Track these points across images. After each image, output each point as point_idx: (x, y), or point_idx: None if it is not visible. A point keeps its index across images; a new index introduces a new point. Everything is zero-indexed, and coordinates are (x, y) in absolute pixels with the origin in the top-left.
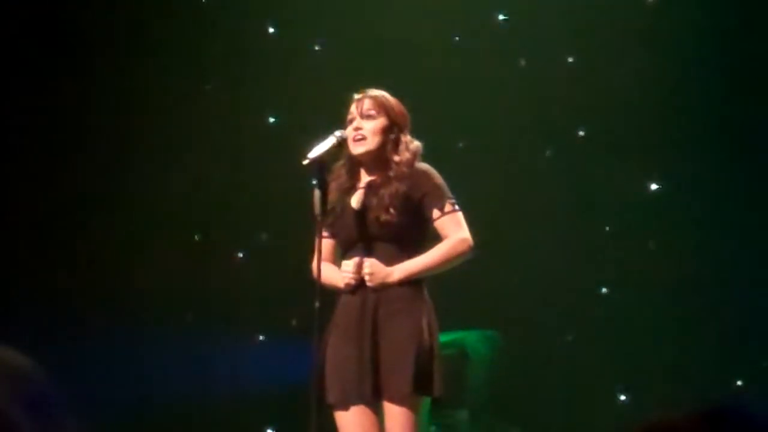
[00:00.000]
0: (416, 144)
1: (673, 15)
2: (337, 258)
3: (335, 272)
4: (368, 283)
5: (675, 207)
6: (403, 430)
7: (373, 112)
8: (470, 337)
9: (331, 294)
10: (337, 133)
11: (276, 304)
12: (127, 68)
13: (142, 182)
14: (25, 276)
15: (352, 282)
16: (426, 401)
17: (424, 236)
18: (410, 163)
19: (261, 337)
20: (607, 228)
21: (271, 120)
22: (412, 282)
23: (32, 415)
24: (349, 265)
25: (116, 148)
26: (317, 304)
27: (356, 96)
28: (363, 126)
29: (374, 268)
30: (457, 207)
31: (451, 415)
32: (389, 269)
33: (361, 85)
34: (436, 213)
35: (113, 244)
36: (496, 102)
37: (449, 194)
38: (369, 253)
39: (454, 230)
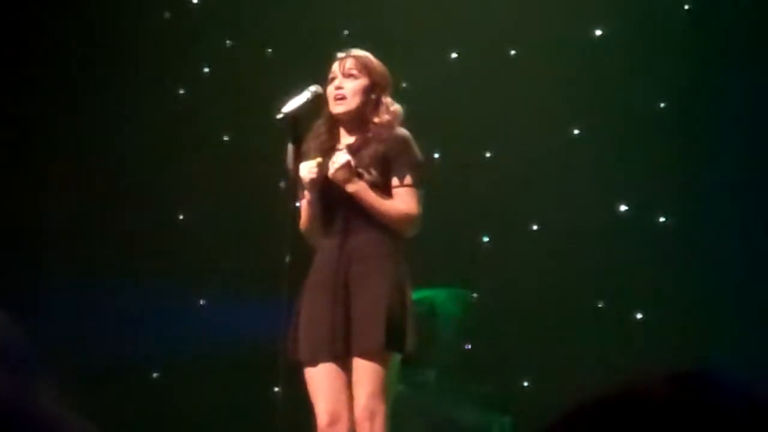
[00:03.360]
0: (397, 107)
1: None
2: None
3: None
4: (330, 170)
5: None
6: (370, 383)
7: (355, 72)
8: (440, 296)
9: (305, 250)
10: (312, 88)
11: (248, 259)
12: None
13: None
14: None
15: (313, 175)
16: (396, 359)
17: None
18: (390, 126)
19: (232, 293)
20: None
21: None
22: (387, 237)
23: (3, 368)
24: (310, 162)
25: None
26: (288, 259)
27: (339, 55)
28: (344, 85)
29: (348, 165)
30: (418, 185)
31: (419, 373)
32: (355, 179)
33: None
34: (395, 181)
35: (95, 197)
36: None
37: (416, 169)
38: (350, 213)
39: (404, 204)
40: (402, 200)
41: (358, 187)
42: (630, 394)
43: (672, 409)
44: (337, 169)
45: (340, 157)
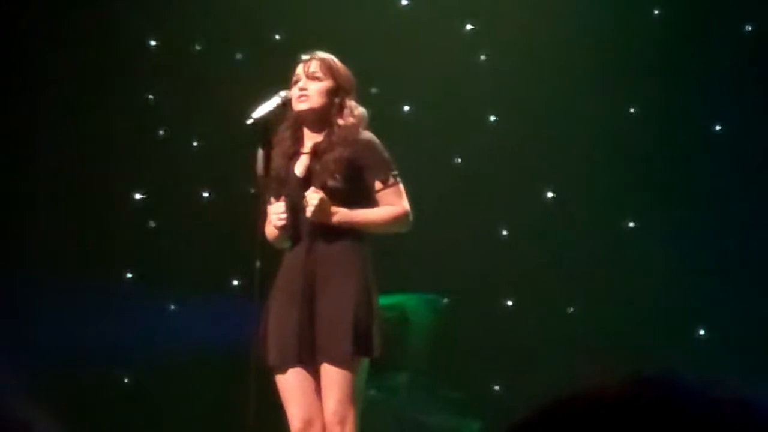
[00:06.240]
0: (361, 110)
1: None
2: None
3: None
4: (308, 214)
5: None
6: (339, 390)
7: (319, 74)
8: (411, 301)
9: (275, 255)
10: (282, 93)
11: (218, 265)
12: None
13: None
14: None
15: (282, 222)
16: (365, 363)
17: (368, 201)
18: (355, 130)
19: (203, 298)
20: (550, 195)
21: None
22: (353, 241)
23: None
24: (278, 206)
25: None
26: (258, 264)
27: (304, 57)
28: (308, 87)
29: (322, 203)
30: (398, 179)
31: (391, 377)
32: (335, 209)
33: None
34: (378, 185)
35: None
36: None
37: (391, 166)
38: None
39: (395, 202)
40: (391, 202)
41: (340, 217)
42: (592, 398)
43: (632, 411)
44: (314, 213)
45: (312, 198)
